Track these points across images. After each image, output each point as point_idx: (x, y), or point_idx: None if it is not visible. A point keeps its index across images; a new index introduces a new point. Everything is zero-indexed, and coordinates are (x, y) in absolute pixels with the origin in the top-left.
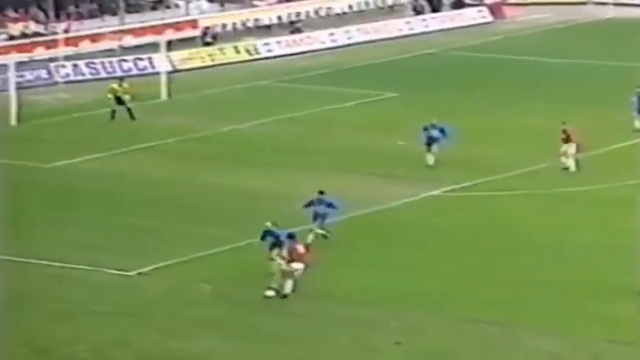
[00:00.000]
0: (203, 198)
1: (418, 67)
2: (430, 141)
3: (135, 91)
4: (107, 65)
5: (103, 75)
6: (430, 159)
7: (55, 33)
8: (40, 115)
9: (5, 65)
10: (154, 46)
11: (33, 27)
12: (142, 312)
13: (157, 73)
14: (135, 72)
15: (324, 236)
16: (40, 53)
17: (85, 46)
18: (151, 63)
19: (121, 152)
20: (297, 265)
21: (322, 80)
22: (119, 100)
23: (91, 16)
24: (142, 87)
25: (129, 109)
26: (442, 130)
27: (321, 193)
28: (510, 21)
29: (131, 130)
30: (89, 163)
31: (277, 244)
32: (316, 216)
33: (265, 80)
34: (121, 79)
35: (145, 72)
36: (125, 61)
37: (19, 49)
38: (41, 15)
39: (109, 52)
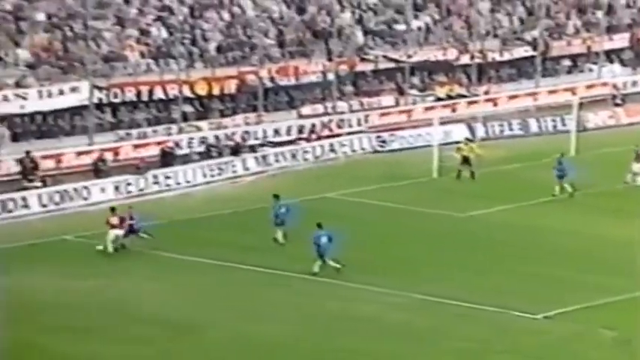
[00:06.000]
0: (601, 248)
1: None
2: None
3: (481, 152)
4: (522, 123)
5: (518, 132)
6: (568, 187)
7: (476, 95)
8: (452, 170)
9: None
10: (566, 108)
11: (457, 90)
12: (546, 355)
13: (568, 132)
14: (549, 130)
15: None
16: (461, 112)
17: (503, 103)
18: (562, 122)
19: (528, 204)
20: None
21: None
22: (466, 160)
23: (510, 79)
24: (552, 144)
25: (472, 171)
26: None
27: None
28: None
29: (537, 184)
30: (499, 214)
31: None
32: None
33: None
34: (468, 139)
35: (557, 130)
36: (538, 120)
37: (443, 106)
38: (465, 79)
39: (524, 114)
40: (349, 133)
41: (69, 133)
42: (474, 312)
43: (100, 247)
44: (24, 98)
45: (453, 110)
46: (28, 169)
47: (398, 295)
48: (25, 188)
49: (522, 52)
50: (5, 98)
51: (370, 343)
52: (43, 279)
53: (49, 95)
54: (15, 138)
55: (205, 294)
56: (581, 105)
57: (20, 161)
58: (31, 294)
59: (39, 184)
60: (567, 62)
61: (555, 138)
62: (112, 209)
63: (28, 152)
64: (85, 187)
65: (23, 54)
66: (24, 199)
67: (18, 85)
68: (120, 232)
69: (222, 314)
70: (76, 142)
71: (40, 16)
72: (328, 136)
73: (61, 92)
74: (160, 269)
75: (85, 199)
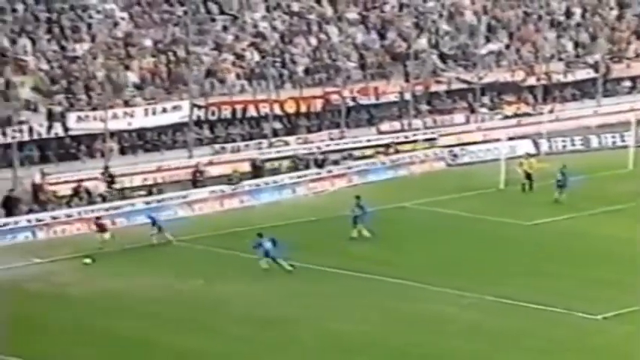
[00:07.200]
0: None
1: None
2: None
3: (540, 167)
4: (583, 139)
5: (579, 148)
6: (555, 194)
7: (541, 114)
8: (518, 182)
9: (499, 139)
10: (625, 126)
11: (523, 108)
12: (607, 353)
13: (626, 147)
14: (609, 145)
15: None
16: (527, 129)
17: (566, 120)
18: (621, 138)
19: (591, 213)
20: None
21: None
22: (528, 175)
23: (573, 99)
24: (611, 158)
25: (530, 183)
26: (564, 174)
27: None
28: None
29: (597, 195)
30: (562, 223)
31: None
32: None
33: None
34: (528, 154)
35: (616, 145)
36: (598, 136)
37: (510, 126)
38: (531, 98)
39: (585, 131)
40: (424, 148)
41: (171, 147)
42: (541, 313)
43: (88, 261)
44: (131, 116)
45: (520, 127)
46: (106, 184)
47: (471, 297)
48: (132, 197)
49: (585, 74)
50: (115, 116)
51: (447, 342)
52: (151, 279)
53: (154, 113)
54: (123, 151)
55: (293, 294)
56: (639, 122)
57: (101, 176)
58: (141, 292)
59: (144, 192)
60: (627, 83)
61: (614, 153)
62: (97, 218)
63: (106, 168)
64: (185, 196)
65: (132, 76)
66: (132, 206)
67: (126, 104)
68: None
69: (309, 313)
70: (177, 155)
71: (147, 43)
72: (405, 150)
73: (165, 110)
74: (252, 271)
75: (192, 210)
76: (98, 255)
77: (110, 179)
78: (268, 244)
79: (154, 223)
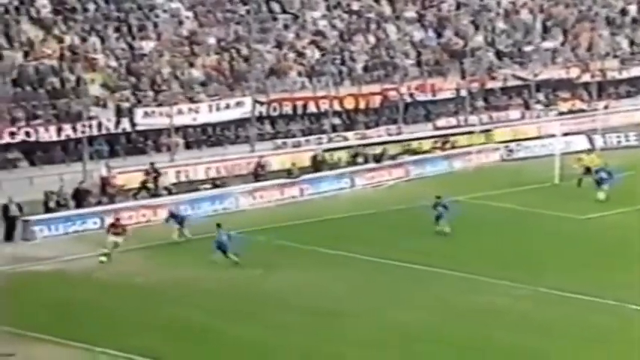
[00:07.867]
0: None
1: None
2: (601, 181)
3: (600, 162)
4: (638, 135)
5: (634, 143)
6: (601, 195)
7: (596, 110)
8: (572, 177)
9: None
10: None
11: (578, 105)
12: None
13: None
14: None
15: None
16: (582, 125)
17: (620, 116)
18: None
19: None
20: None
21: None
22: (588, 170)
23: (627, 95)
24: None
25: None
26: (610, 173)
27: None
28: None
29: None
30: (616, 217)
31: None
32: None
33: None
34: (589, 150)
35: None
36: None
37: (564, 121)
38: (585, 95)
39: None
40: (480, 143)
41: (233, 142)
42: (594, 304)
43: (103, 259)
44: (196, 112)
45: (574, 120)
46: (151, 180)
47: (524, 289)
48: (197, 189)
49: (639, 71)
50: (180, 111)
51: (501, 332)
52: (212, 269)
53: (217, 109)
54: (188, 146)
55: (350, 285)
56: None
57: (145, 172)
58: (202, 282)
59: (208, 185)
60: None
61: None
62: (117, 218)
63: (152, 163)
64: (248, 189)
65: (196, 73)
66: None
67: (191, 100)
68: (118, 239)
69: (365, 303)
70: (240, 150)
71: (211, 41)
72: (461, 145)
73: (228, 106)
74: (310, 262)
75: (254, 199)
76: (165, 245)
77: (156, 175)
78: (224, 237)
79: (175, 218)
